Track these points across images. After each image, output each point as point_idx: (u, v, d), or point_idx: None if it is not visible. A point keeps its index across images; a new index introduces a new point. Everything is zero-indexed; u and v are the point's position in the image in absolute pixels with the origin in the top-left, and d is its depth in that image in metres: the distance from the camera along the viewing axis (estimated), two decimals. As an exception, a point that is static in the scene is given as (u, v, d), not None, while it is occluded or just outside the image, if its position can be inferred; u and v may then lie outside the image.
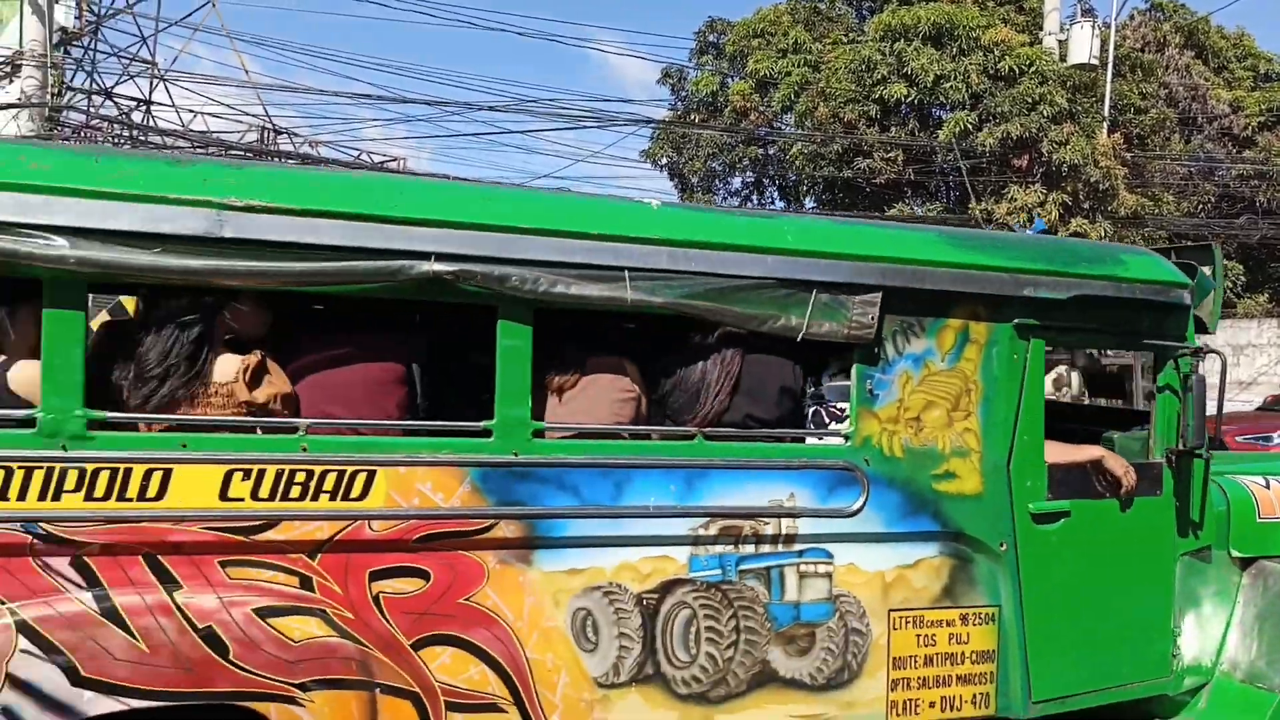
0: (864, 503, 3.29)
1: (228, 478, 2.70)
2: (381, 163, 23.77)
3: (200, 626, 2.64)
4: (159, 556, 2.68)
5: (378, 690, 2.80)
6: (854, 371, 3.33)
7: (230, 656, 2.65)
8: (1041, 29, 20.51)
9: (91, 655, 2.54)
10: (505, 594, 2.97)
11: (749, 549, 3.22)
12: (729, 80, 23.39)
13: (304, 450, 2.79)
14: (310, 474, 2.77)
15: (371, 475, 2.81)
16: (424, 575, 2.89)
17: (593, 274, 2.98)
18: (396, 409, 3.09)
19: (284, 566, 2.77)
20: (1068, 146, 18.34)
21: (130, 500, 2.64)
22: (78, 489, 2.59)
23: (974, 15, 20.04)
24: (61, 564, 2.59)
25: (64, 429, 2.60)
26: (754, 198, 25.51)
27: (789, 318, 3.18)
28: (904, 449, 3.37)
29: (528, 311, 2.95)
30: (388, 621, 2.85)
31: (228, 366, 2.87)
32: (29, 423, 2.59)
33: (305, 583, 2.79)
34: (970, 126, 19.21)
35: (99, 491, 2.61)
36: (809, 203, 24.36)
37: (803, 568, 3.28)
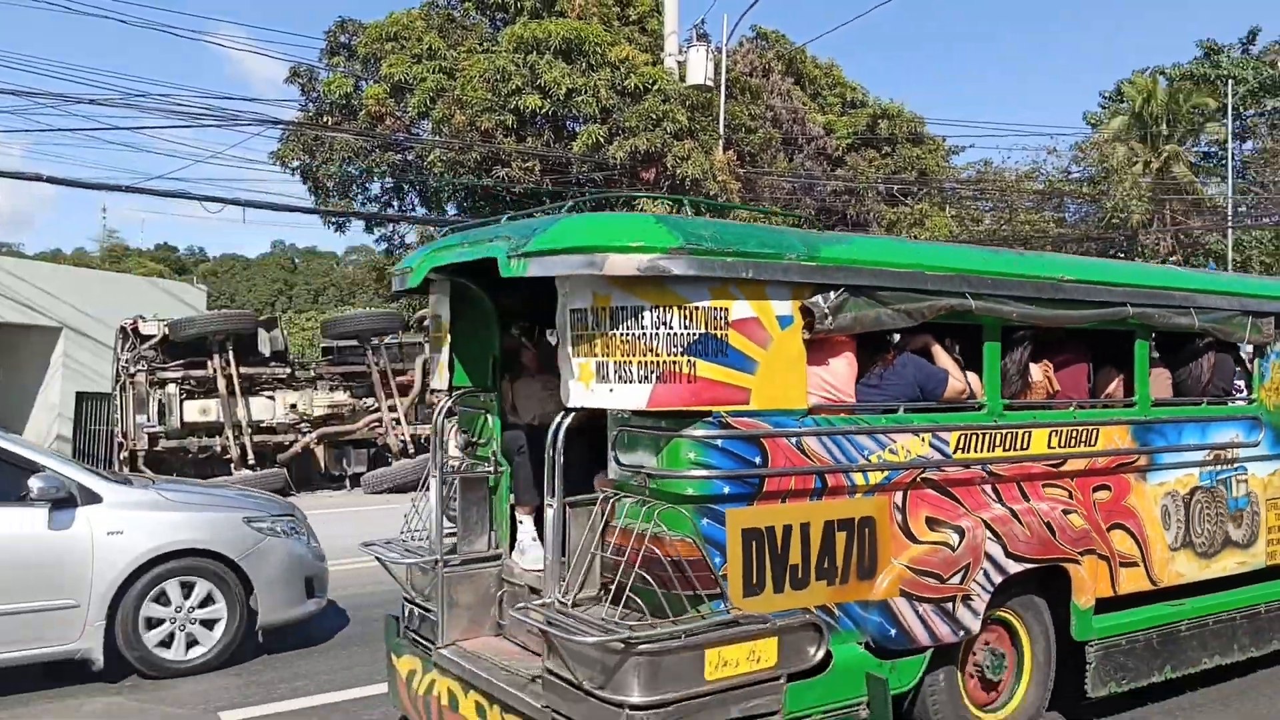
0: (1261, 437, 5.78)
1: (1048, 436, 4.79)
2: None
3: (1044, 520, 4.66)
4: (1021, 482, 4.71)
5: (1097, 555, 4.89)
6: (1254, 364, 5.88)
7: (1056, 537, 4.69)
8: (662, 50, 21.82)
9: (1009, 537, 4.48)
10: (1139, 498, 5.21)
11: (1220, 467, 5.61)
12: (362, 83, 22.69)
13: (1074, 419, 4.93)
14: (1077, 432, 4.91)
15: (1095, 432, 5.00)
16: (1108, 489, 5.09)
17: (1172, 310, 5.26)
18: (1086, 392, 5.34)
19: (1064, 486, 4.88)
20: (689, 161, 19.62)
21: (1018, 450, 4.66)
22: (998, 445, 4.57)
23: (601, 33, 20.90)
24: (989, 487, 4.56)
25: (995, 411, 4.62)
26: (394, 204, 24.94)
27: (1241, 332, 5.60)
28: (1274, 405, 5.91)
29: (1148, 333, 5.29)
30: (1097, 515, 4.99)
31: (1036, 371, 5.05)
32: (981, 408, 4.58)
33: (1071, 495, 4.90)
34: (601, 139, 20.01)
35: (1006, 445, 4.61)
36: (451, 209, 24.21)
37: (1238, 477, 5.70)
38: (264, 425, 14.20)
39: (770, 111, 27.78)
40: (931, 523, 4.24)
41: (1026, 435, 4.65)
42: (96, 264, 50.90)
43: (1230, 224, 29.38)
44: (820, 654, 3.76)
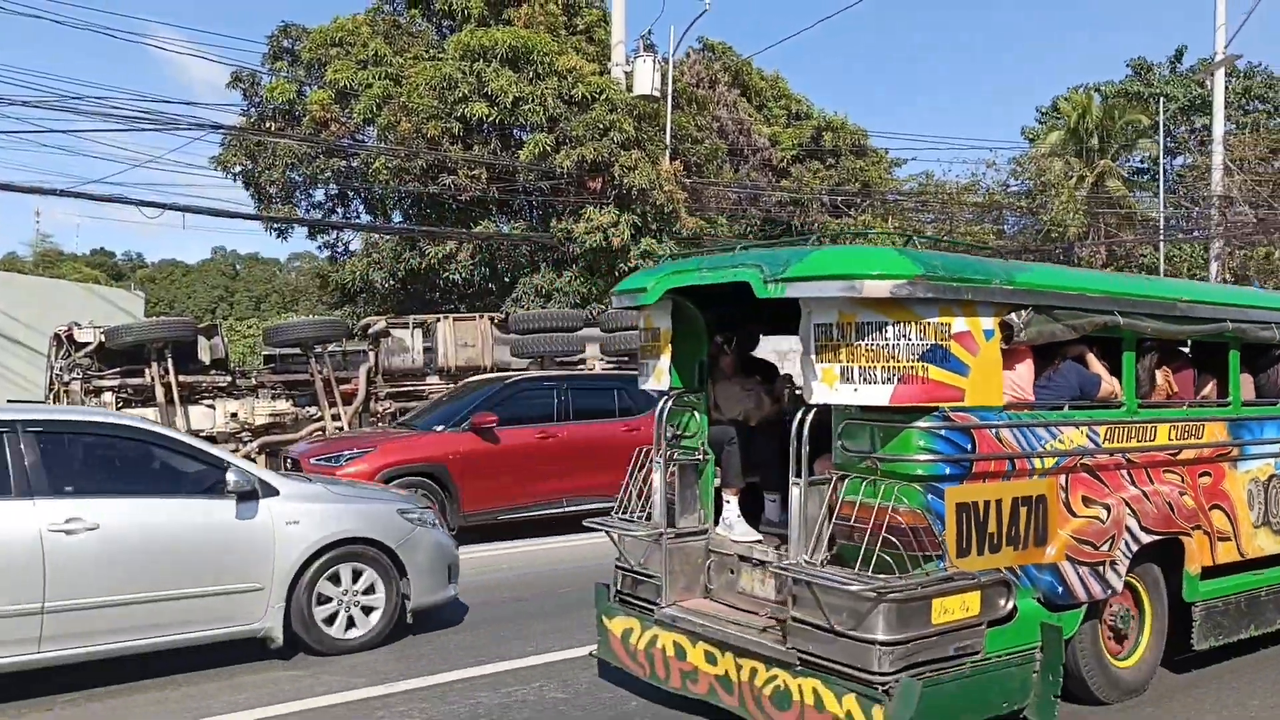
0: None
1: (1168, 431, 5.73)
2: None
3: (1166, 500, 5.59)
4: (1149, 468, 5.63)
5: (1203, 531, 5.81)
6: None
7: (1175, 514, 5.61)
8: (609, 60, 21.92)
9: (1142, 514, 5.40)
10: (1230, 484, 6.13)
11: None
12: (306, 89, 22.47)
13: (1186, 416, 5.91)
14: (1188, 427, 5.86)
15: (1202, 427, 5.95)
16: (1209, 475, 5.99)
17: (1258, 325, 6.31)
18: (1193, 393, 6.41)
19: (1178, 472, 5.80)
20: (636, 171, 19.71)
21: (1147, 442, 5.60)
22: (1133, 437, 5.52)
23: (548, 42, 20.94)
24: (1126, 472, 5.47)
25: (1132, 409, 5.56)
26: (338, 210, 24.70)
27: None
28: None
29: (1239, 344, 6.30)
30: (1201, 497, 5.90)
31: (1159, 376, 6.06)
32: (1122, 406, 5.54)
33: (1183, 479, 5.82)
34: (549, 148, 20.03)
35: (1139, 438, 5.54)
36: (396, 217, 24.04)
37: None
38: (204, 434, 13.96)
39: (716, 122, 28.02)
40: (1086, 500, 5.18)
41: (1153, 429, 5.66)
42: (29, 269, 49.61)
43: (1162, 237, 30.24)
44: (1010, 605, 4.69)
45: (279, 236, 25.18)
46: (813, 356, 4.62)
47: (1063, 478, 5.04)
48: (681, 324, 5.65)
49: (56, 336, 14.42)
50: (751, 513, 5.70)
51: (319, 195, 24.31)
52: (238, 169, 22.56)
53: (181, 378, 13.80)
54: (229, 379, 14.61)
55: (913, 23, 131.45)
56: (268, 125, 22.58)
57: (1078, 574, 5.00)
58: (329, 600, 6.38)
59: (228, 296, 69.38)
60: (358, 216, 24.90)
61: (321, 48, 22.18)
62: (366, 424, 15.03)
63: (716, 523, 5.62)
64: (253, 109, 23.79)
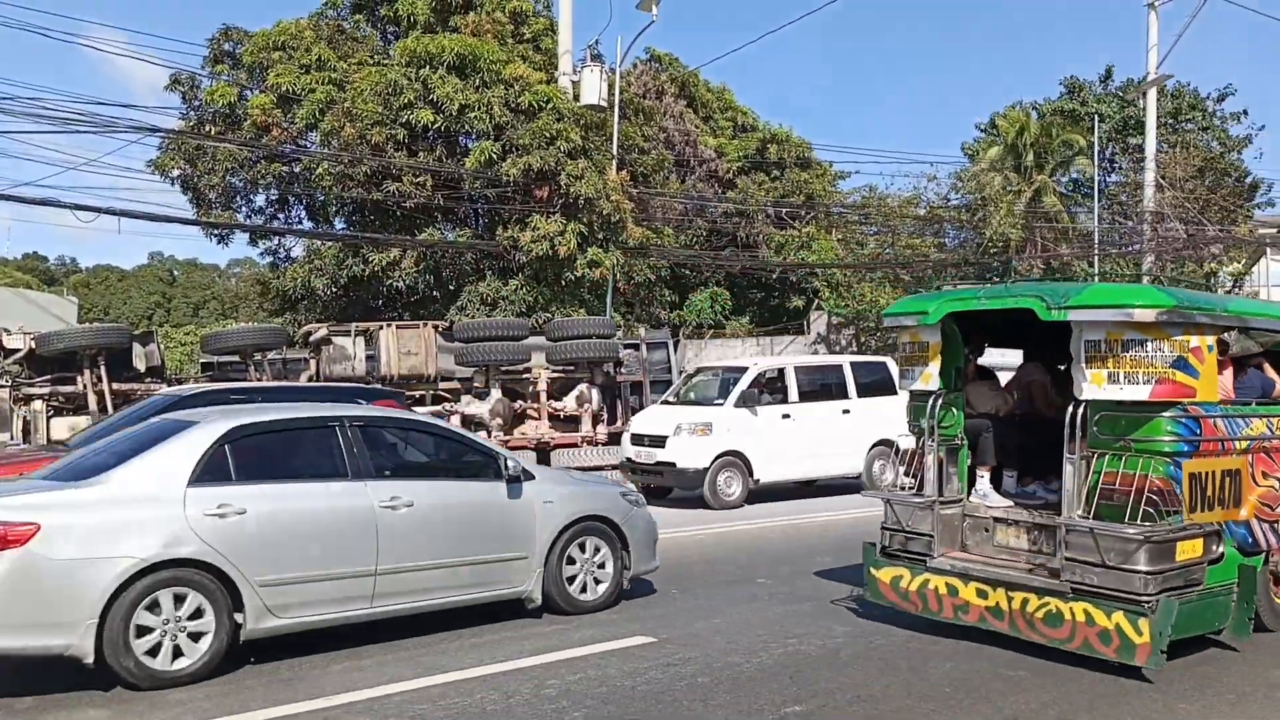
0: None
1: None
2: None
3: None
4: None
5: None
6: None
7: None
8: (556, 69, 21.91)
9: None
10: None
11: None
12: (248, 93, 22.15)
13: None
14: None
15: None
16: None
17: None
18: None
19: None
20: (583, 180, 19.70)
21: None
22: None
23: (495, 50, 20.87)
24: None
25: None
26: (279, 216, 24.36)
27: None
28: None
29: None
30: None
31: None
32: None
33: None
34: (495, 156, 19.95)
35: None
36: (339, 224, 23.76)
37: None
38: (138, 443, 13.67)
39: (663, 133, 28.13)
40: (1264, 474, 6.73)
41: None
42: (-44, 273, 48.13)
43: (1097, 252, 30.98)
44: (1220, 550, 6.26)
45: (219, 242, 24.75)
46: (1083, 364, 6.22)
47: (1250, 457, 6.63)
48: (945, 340, 7.18)
49: (-13, 342, 14.00)
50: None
51: (260, 201, 23.97)
52: (176, 173, 22.16)
53: (115, 385, 13.48)
54: (164, 387, 14.32)
55: (857, 39, 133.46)
56: (208, 129, 22.21)
57: (1261, 529, 6.63)
58: (574, 566, 7.41)
59: (165, 303, 67.98)
60: (300, 222, 24.58)
61: (263, 51, 21.89)
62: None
63: (969, 494, 7.25)
64: (192, 112, 23.39)
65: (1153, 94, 30.86)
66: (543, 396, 16.31)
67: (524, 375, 16.37)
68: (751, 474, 13.90)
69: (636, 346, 17.99)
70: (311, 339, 15.38)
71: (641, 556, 7.78)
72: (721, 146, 30.56)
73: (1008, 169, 31.63)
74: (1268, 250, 31.28)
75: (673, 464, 13.85)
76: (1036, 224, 30.57)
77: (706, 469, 13.60)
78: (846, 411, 14.73)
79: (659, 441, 14.09)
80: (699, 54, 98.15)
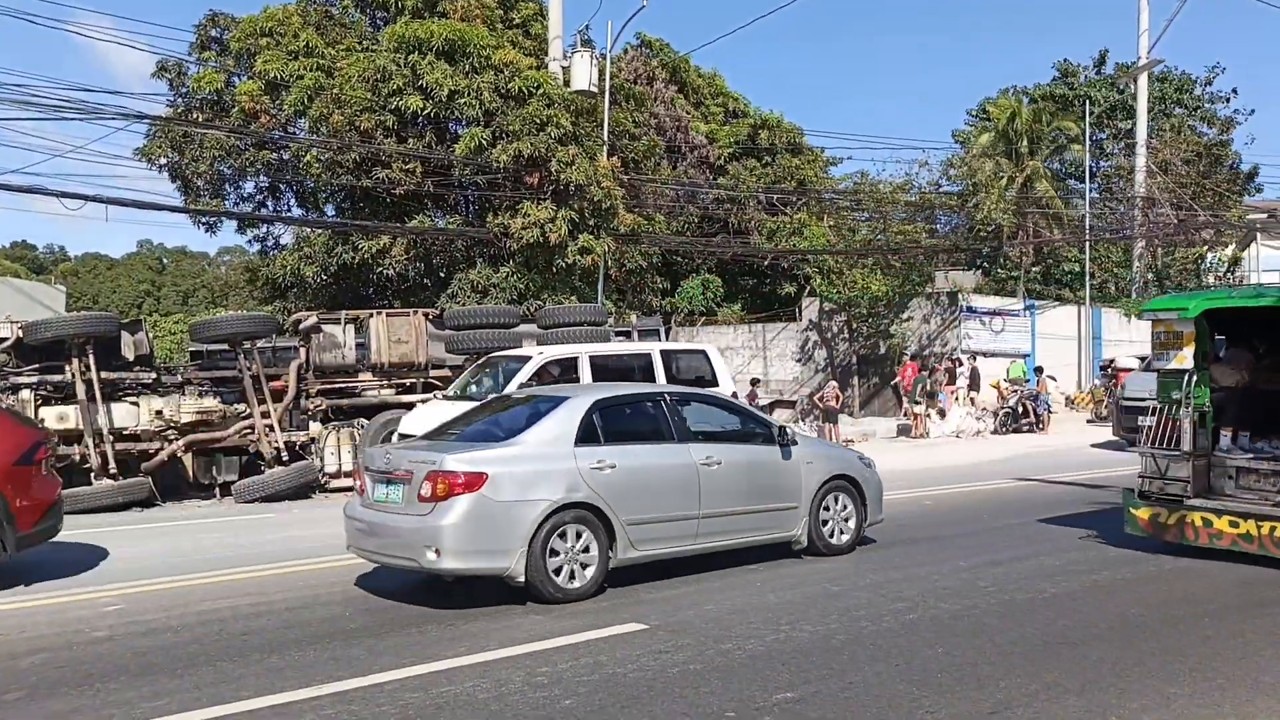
0: None
1: None
2: None
3: None
4: None
5: None
6: None
7: None
8: (547, 54, 21.80)
9: None
10: None
11: None
12: (235, 79, 21.98)
13: None
14: None
15: None
16: None
17: None
18: None
19: None
20: (574, 167, 19.63)
21: None
22: None
23: (484, 35, 20.75)
24: None
25: None
26: (269, 204, 24.23)
27: None
28: None
29: None
30: None
31: None
32: None
33: None
34: (485, 142, 19.86)
35: None
36: (329, 211, 23.65)
37: None
38: (127, 433, 13.52)
39: (654, 119, 28.04)
40: None
41: None
42: (-57, 262, 47.87)
43: (1088, 237, 31.00)
44: None
45: (207, 230, 24.70)
46: None
47: None
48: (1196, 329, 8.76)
49: (-30, 331, 13.89)
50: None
51: (249, 188, 23.86)
52: (163, 160, 22.02)
53: (104, 374, 13.39)
54: (153, 375, 14.23)
55: (849, 25, 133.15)
56: (195, 116, 22.06)
57: None
58: (828, 513, 8.94)
59: (154, 291, 67.70)
60: (289, 210, 24.46)
61: (251, 37, 21.73)
62: (297, 422, 14.75)
63: (1213, 449, 8.85)
64: (179, 99, 23.24)
65: (1143, 79, 30.84)
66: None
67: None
68: None
69: (628, 334, 17.94)
70: (301, 327, 15.28)
71: (874, 510, 9.36)
72: (713, 132, 30.48)
73: (999, 155, 31.61)
74: (1258, 235, 31.32)
75: None
76: (1028, 209, 30.56)
77: None
78: None
79: None
80: (690, 40, 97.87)
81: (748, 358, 29.11)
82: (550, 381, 12.56)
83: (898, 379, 24.37)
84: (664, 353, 13.52)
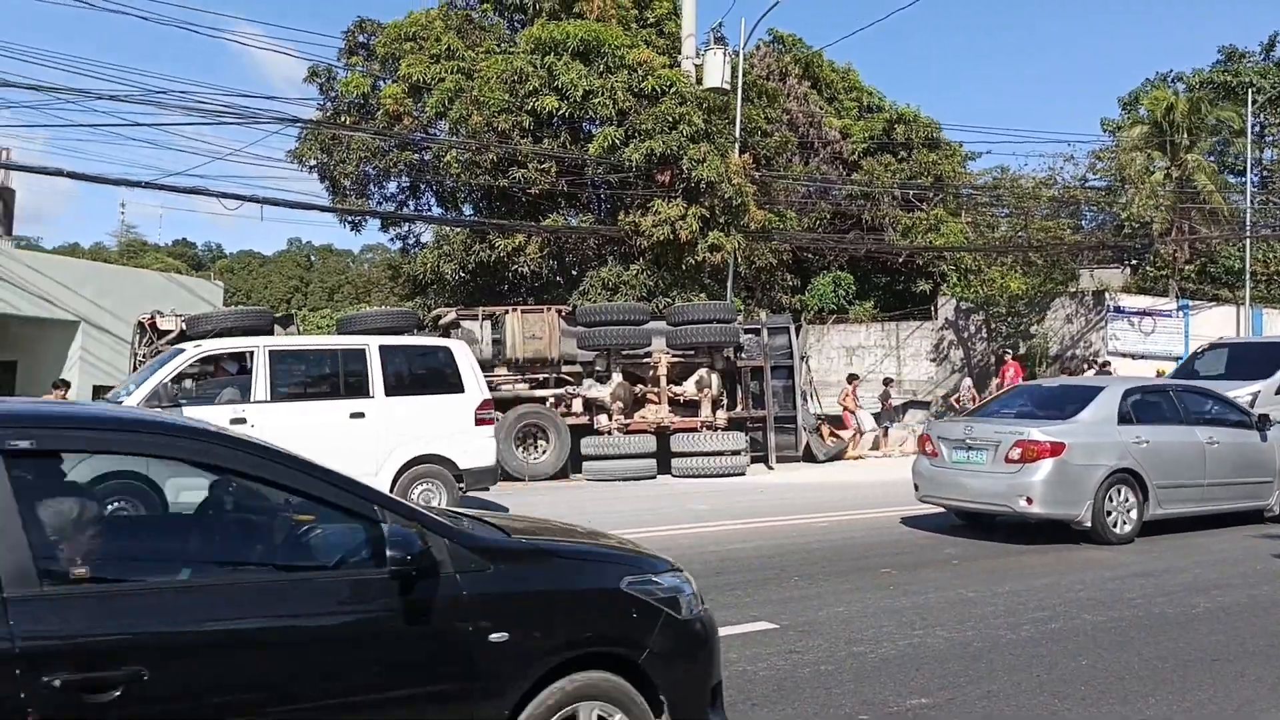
0: None
1: None
2: (-24, 152, 20.81)
3: None
4: None
5: None
6: None
7: None
8: (680, 53, 21.86)
9: None
10: None
11: None
12: (380, 83, 22.82)
13: None
14: None
15: None
16: None
17: None
18: None
19: None
20: (705, 164, 19.63)
21: None
22: None
23: (619, 35, 20.95)
24: None
25: None
26: (410, 203, 25.07)
27: None
28: None
29: None
30: None
31: None
32: None
33: None
34: (618, 141, 20.06)
35: None
36: (467, 210, 24.31)
37: None
38: (279, 422, 14.26)
39: (786, 115, 27.79)
40: None
41: None
42: (114, 259, 51.23)
43: (1249, 234, 29.21)
44: None
45: (352, 229, 25.71)
46: None
47: None
48: None
49: (140, 324, 14.87)
50: None
51: (391, 188, 24.71)
52: (313, 162, 23.01)
53: (258, 366, 14.09)
54: (303, 368, 14.91)
55: (990, 13, 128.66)
56: (343, 119, 22.99)
57: None
58: None
59: (302, 287, 70.80)
60: (429, 209, 25.24)
61: (395, 42, 22.50)
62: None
63: None
64: (328, 103, 24.25)
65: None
66: (663, 381, 16.38)
67: (644, 359, 16.46)
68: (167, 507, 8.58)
69: (757, 331, 17.86)
70: (441, 322, 15.81)
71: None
72: (846, 127, 30.00)
73: (1152, 148, 30.07)
74: None
75: None
76: (1184, 205, 28.97)
77: None
78: (359, 416, 10.43)
79: None
80: (823, 34, 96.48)
81: (880, 356, 28.56)
82: (225, 377, 10.79)
83: (997, 380, 23.00)
84: (384, 348, 10.86)
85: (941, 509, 10.68)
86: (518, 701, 3.16)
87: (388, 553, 2.97)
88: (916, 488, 10.45)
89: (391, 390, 10.58)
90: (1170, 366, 24.60)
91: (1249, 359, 14.97)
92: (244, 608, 2.81)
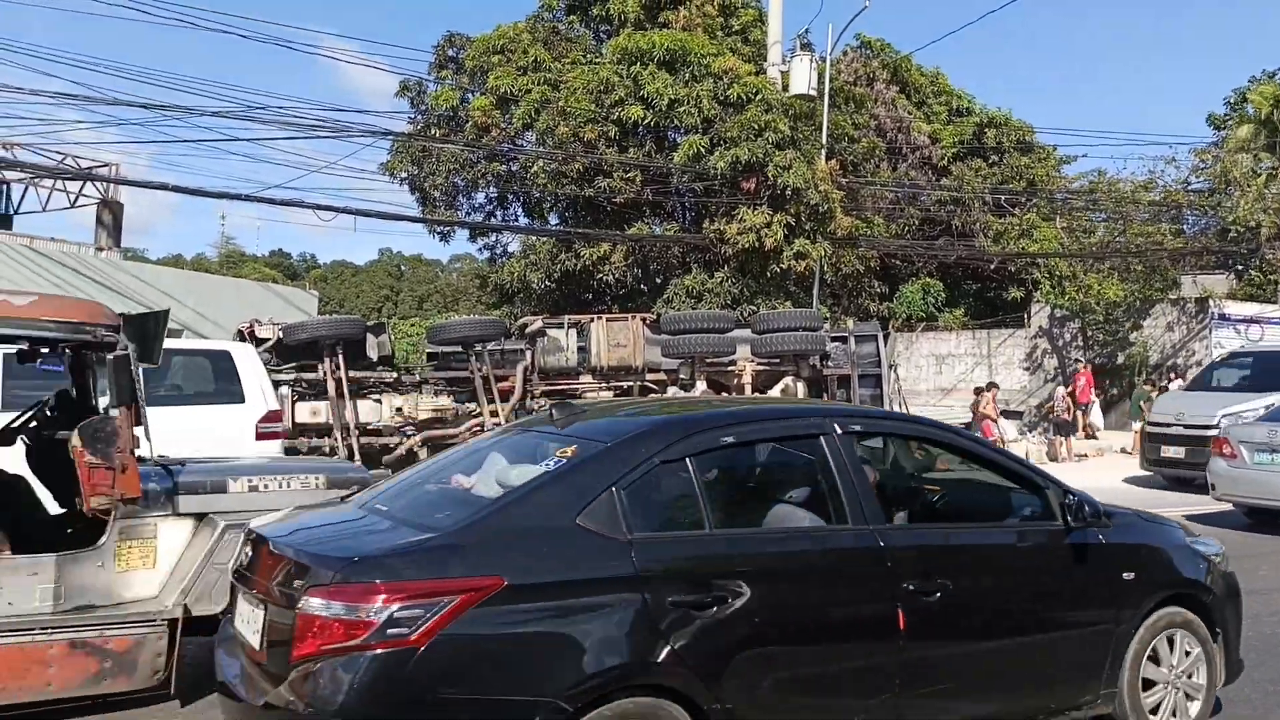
0: None
1: None
2: (90, 168, 21.76)
3: None
4: None
5: None
6: None
7: None
8: (765, 60, 21.76)
9: None
10: None
11: None
12: (469, 95, 23.22)
13: None
14: None
15: None
16: None
17: None
18: None
19: None
20: (791, 171, 19.49)
21: None
22: None
23: (704, 44, 20.96)
24: None
25: None
26: (497, 213, 25.44)
27: None
28: None
29: None
30: None
31: None
32: None
33: None
34: (703, 150, 20.05)
35: None
36: (553, 220, 24.57)
37: None
38: (370, 427, 14.54)
39: (874, 120, 27.43)
40: None
41: None
42: (215, 269, 53.08)
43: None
44: None
45: (441, 239, 26.23)
46: None
47: None
48: None
49: (240, 332, 15.33)
50: None
51: (479, 199, 25.13)
52: (404, 174, 23.52)
53: (351, 373, 14.44)
54: (394, 375, 15.22)
55: (1083, 11, 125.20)
56: (433, 132, 23.44)
57: None
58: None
59: (393, 296, 72.33)
60: (516, 219, 25.59)
61: (484, 55, 22.87)
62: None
63: None
64: (419, 116, 24.77)
65: None
66: (747, 389, 16.27)
67: (729, 368, 16.38)
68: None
69: (844, 339, 17.61)
70: (527, 331, 15.98)
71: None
72: (935, 132, 29.49)
73: (1259, 149, 28.83)
74: None
75: None
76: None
77: None
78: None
79: None
80: (912, 39, 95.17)
81: (971, 365, 27.95)
82: None
83: (1070, 388, 22.00)
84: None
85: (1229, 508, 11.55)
86: (1136, 625, 4.54)
87: (1061, 513, 4.41)
88: (1214, 487, 11.11)
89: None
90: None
91: (1274, 369, 14.13)
92: (994, 537, 4.46)
